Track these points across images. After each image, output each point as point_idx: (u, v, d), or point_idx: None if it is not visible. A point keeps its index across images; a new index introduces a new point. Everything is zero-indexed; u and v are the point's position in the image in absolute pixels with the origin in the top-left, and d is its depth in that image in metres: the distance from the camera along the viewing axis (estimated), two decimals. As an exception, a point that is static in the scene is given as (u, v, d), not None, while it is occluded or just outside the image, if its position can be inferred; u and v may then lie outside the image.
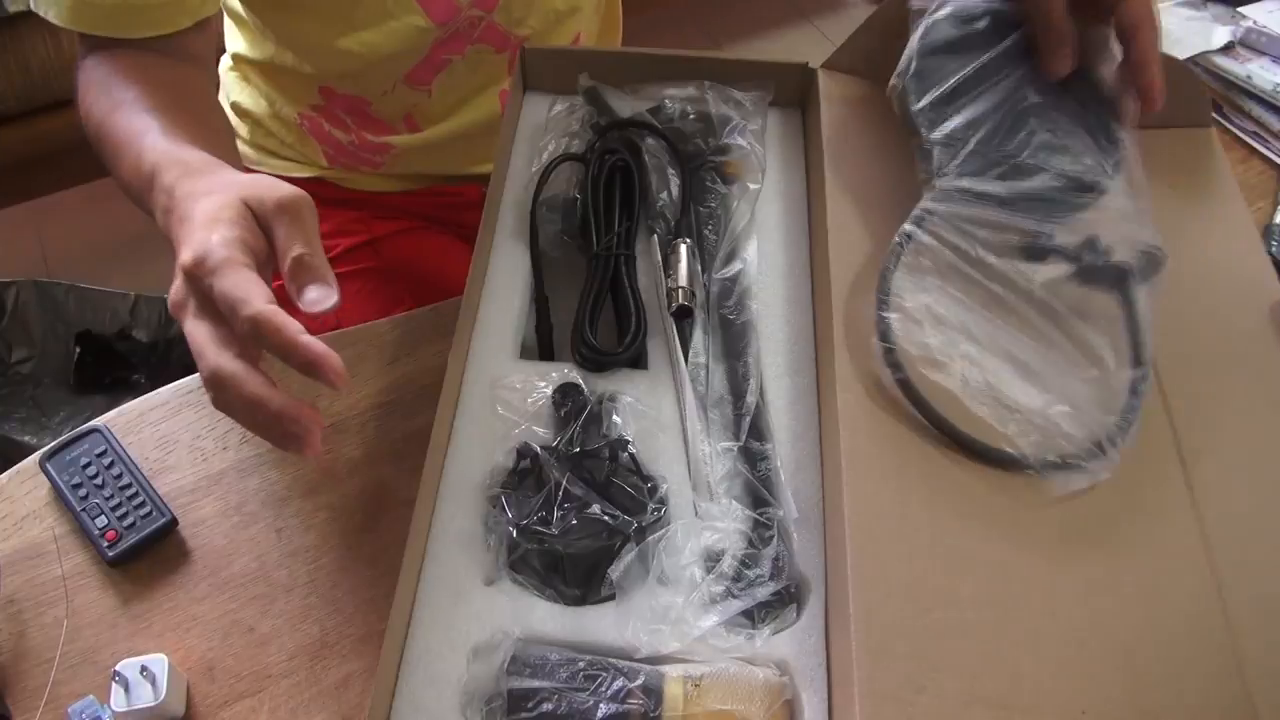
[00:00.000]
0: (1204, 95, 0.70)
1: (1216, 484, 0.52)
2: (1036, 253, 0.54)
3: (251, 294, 0.39)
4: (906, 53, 0.59)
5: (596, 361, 0.58)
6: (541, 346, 0.61)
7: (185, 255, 0.41)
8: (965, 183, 0.55)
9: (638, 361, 0.59)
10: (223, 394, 0.40)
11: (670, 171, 0.65)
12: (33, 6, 0.60)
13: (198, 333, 0.41)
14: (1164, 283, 0.55)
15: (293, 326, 0.39)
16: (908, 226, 0.55)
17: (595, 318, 0.60)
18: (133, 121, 0.55)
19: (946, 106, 0.57)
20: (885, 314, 0.52)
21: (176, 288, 0.42)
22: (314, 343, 0.39)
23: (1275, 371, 0.57)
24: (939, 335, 0.52)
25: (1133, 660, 0.46)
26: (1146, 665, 0.46)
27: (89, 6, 0.59)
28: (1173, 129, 0.69)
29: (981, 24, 0.59)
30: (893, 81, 0.59)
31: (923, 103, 0.57)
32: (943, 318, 0.52)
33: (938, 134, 0.56)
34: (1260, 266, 0.62)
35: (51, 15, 0.60)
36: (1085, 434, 0.50)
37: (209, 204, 0.43)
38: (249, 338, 0.39)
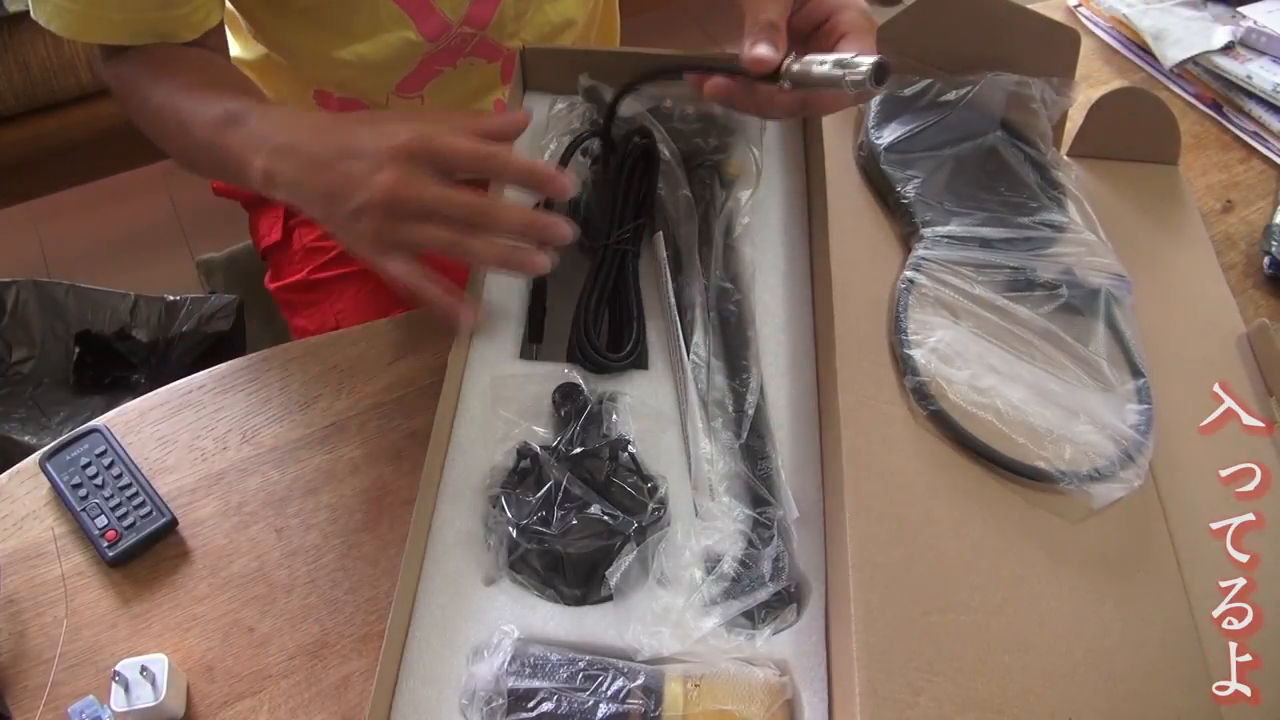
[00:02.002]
0: (1175, 134, 0.71)
1: (1190, 517, 0.53)
2: (1024, 286, 0.59)
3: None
4: (863, 126, 0.66)
5: (599, 364, 0.58)
6: (532, 328, 0.61)
7: (404, 137, 0.49)
8: (950, 229, 0.60)
9: (638, 362, 0.59)
10: (488, 218, 0.50)
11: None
12: (34, 16, 0.60)
13: (435, 191, 0.49)
14: (1134, 302, 0.60)
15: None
16: (908, 273, 0.59)
17: (599, 319, 0.59)
18: (190, 95, 0.59)
19: (911, 168, 0.63)
20: (909, 351, 0.54)
21: (401, 171, 0.49)
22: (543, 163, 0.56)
23: (1245, 403, 0.59)
24: (966, 369, 0.55)
25: (1114, 672, 0.47)
26: (1126, 677, 0.47)
27: (97, 21, 0.59)
28: (1142, 163, 0.72)
29: (920, 102, 0.67)
30: (859, 151, 0.66)
31: (890, 166, 0.63)
32: (963, 352, 0.55)
33: (910, 190, 0.62)
34: (1223, 299, 0.65)
35: (55, 27, 0.60)
36: (1112, 445, 0.53)
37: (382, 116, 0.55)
38: (506, 175, 0.53)
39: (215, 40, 0.67)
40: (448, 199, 0.49)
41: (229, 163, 0.55)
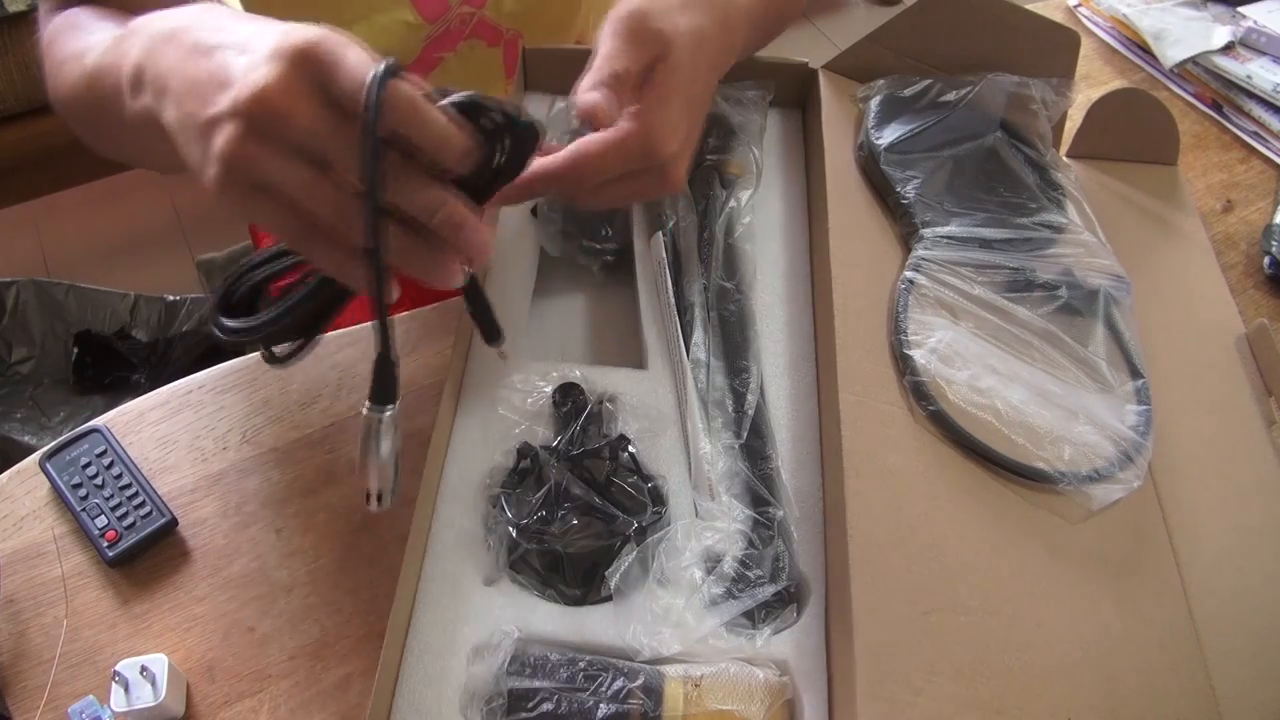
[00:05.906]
0: (1175, 134, 0.72)
1: (1189, 518, 0.53)
2: (1023, 287, 0.59)
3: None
4: (863, 126, 0.66)
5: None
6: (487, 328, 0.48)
7: (311, 36, 0.34)
8: (950, 230, 0.60)
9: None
10: (393, 182, 0.36)
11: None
12: None
13: (320, 116, 0.35)
14: (1133, 304, 0.60)
15: None
16: (908, 273, 0.58)
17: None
18: (79, 35, 0.48)
19: (911, 168, 0.63)
20: (909, 352, 0.54)
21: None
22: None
23: (1244, 404, 0.59)
24: (966, 369, 0.54)
25: (1113, 672, 0.47)
26: (1125, 677, 0.47)
27: None
28: (1142, 164, 0.72)
29: (920, 102, 0.67)
30: (858, 151, 0.66)
31: (890, 166, 0.63)
32: (962, 352, 0.55)
33: (910, 190, 0.62)
34: (1223, 300, 0.65)
35: None
36: (1111, 446, 0.53)
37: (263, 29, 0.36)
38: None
39: None
40: (335, 132, 0.34)
41: (107, 85, 0.41)
